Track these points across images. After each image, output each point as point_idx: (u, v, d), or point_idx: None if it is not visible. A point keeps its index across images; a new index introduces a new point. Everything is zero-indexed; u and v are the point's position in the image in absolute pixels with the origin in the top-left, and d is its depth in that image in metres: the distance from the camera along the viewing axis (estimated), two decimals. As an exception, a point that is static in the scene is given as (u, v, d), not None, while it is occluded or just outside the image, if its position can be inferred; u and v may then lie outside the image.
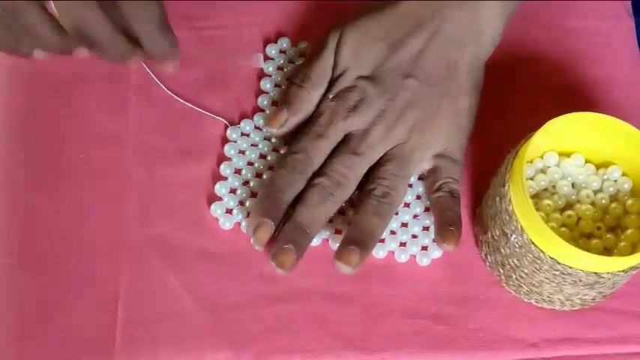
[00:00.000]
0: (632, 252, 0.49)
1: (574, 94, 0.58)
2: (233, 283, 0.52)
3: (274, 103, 0.57)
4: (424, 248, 0.53)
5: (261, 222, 0.50)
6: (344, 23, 0.56)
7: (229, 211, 0.54)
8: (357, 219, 0.51)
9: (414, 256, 0.53)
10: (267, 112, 0.57)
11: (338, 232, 0.53)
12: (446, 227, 0.51)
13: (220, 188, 0.54)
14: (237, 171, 0.55)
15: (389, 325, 0.51)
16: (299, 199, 0.51)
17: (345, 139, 0.53)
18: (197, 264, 0.52)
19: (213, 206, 0.54)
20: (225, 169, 0.55)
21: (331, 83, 0.55)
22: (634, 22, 0.62)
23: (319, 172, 0.52)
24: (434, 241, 0.53)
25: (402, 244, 0.53)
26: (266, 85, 0.58)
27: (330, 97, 0.54)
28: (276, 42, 0.60)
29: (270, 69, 0.59)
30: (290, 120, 0.54)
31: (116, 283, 0.52)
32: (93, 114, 0.57)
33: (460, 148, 0.54)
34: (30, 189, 0.54)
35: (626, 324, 0.51)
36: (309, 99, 0.54)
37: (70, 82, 0.57)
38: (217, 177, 0.55)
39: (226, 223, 0.53)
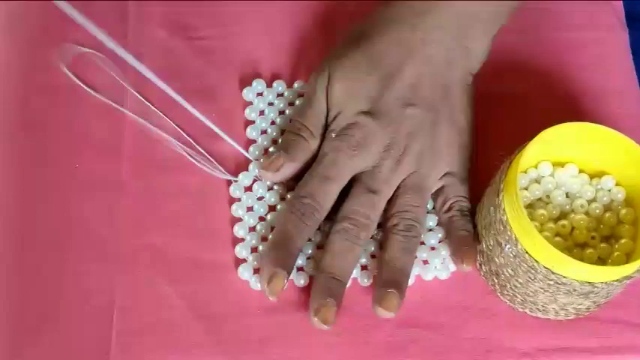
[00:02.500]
0: (626, 262, 0.49)
1: (568, 104, 0.58)
2: (227, 292, 0.52)
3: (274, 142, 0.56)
4: None
5: (274, 272, 0.49)
6: (328, 62, 0.54)
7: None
8: (388, 258, 0.50)
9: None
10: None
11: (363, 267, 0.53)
12: (462, 248, 0.51)
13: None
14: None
15: (383, 334, 0.51)
16: (316, 242, 0.52)
17: (356, 179, 0.52)
18: (191, 273, 0.52)
19: None
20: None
21: (329, 125, 0.54)
22: (627, 33, 0.62)
23: (340, 217, 0.51)
24: (442, 262, 0.52)
25: None
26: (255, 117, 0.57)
27: (333, 135, 0.53)
28: (271, 85, 0.58)
29: (256, 113, 0.57)
30: (286, 166, 0.53)
31: (111, 293, 0.52)
32: (88, 124, 0.57)
33: (464, 166, 0.54)
34: (25, 199, 0.54)
35: (620, 334, 0.51)
36: (306, 147, 0.53)
37: (66, 93, 0.57)
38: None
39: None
